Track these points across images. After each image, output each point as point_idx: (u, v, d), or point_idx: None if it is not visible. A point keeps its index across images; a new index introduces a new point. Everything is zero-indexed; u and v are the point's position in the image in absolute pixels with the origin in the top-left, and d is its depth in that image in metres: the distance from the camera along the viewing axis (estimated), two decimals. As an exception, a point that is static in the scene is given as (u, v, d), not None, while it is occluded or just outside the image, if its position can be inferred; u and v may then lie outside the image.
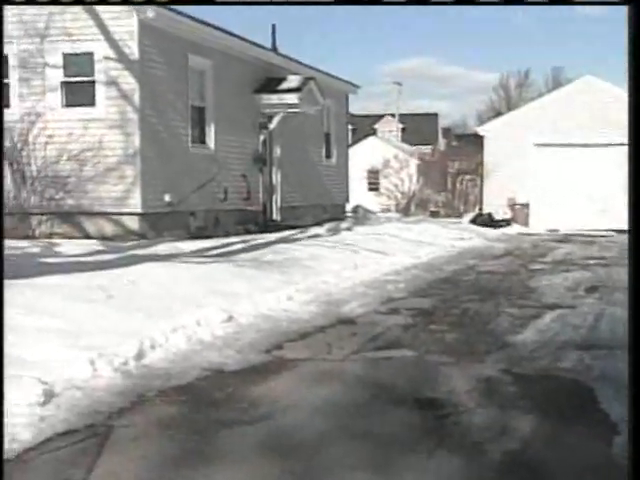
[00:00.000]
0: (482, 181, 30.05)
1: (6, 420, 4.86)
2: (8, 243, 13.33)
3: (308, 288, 10.73)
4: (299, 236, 17.76)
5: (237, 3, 8.05)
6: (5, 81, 15.93)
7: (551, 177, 28.09)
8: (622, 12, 5.26)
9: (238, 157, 19.75)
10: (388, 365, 6.85)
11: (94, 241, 14.50)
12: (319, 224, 21.52)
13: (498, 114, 46.86)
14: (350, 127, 31.33)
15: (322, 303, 9.86)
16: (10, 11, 15.42)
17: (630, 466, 4.00)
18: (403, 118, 58.88)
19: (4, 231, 14.95)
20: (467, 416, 5.32)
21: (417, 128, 60.36)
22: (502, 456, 4.61)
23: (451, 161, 37.19)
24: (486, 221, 27.63)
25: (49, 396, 5.49)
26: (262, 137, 21.11)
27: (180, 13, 17.05)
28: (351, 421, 5.23)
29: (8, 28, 15.55)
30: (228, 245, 14.90)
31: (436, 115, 66.02)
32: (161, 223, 16.19)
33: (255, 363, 6.77)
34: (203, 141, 18.39)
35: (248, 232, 18.50)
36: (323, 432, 4.99)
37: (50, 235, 15.10)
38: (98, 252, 12.63)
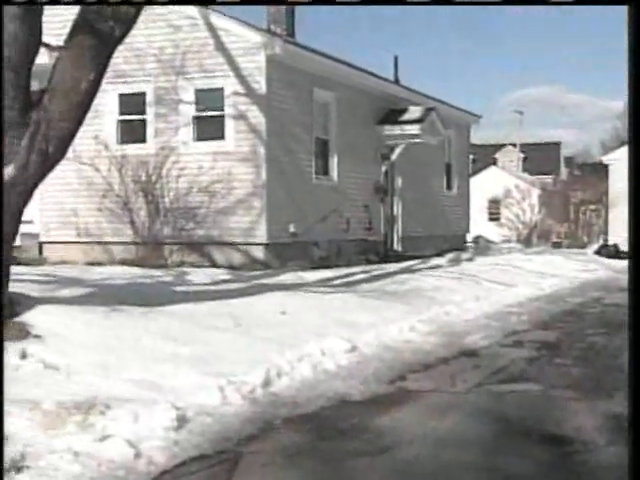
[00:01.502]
0: (607, 211, 29.34)
1: (145, 444, 5.11)
2: (143, 271, 13.96)
3: (430, 319, 10.73)
4: (420, 266, 17.77)
5: (238, 3, 8.16)
6: (142, 117, 16.81)
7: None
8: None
9: (360, 188, 19.97)
10: (512, 399, 6.81)
11: (222, 270, 14.94)
12: (440, 254, 21.45)
13: (623, 143, 45.61)
14: (471, 157, 31.13)
15: (444, 334, 9.85)
16: (150, 50, 16.26)
17: (630, 466, 3.88)
18: (524, 147, 58.05)
19: (135, 260, 15.67)
20: (596, 454, 5.23)
21: (539, 157, 59.38)
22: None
23: (574, 191, 36.45)
24: (612, 252, 26.89)
25: (182, 421, 5.65)
26: (384, 168, 21.28)
27: (306, 48, 17.50)
28: (476, 455, 5.22)
29: (147, 67, 16.40)
30: (350, 275, 15.05)
31: (558, 144, 64.76)
32: (285, 253, 16.53)
33: (379, 393, 6.84)
34: (326, 172, 18.71)
35: (369, 262, 18.63)
36: (448, 466, 5.01)
37: (181, 264, 15.66)
38: (226, 281, 13.00)
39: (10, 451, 4.95)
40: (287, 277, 14.07)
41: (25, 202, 7.67)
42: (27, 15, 7.40)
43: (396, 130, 20.99)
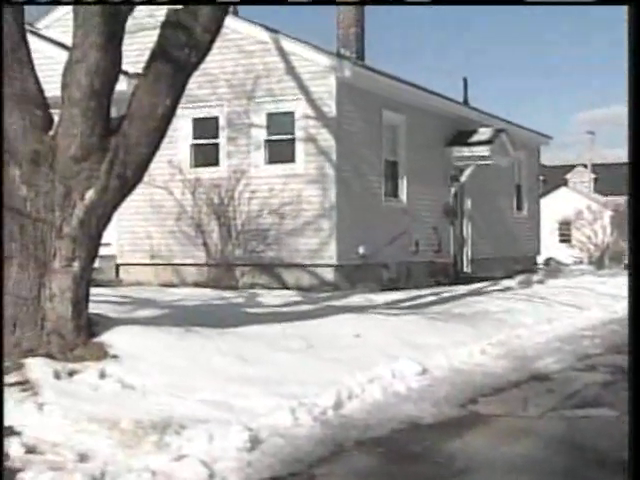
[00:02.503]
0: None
1: (219, 464, 5.20)
2: (215, 293, 14.19)
3: (501, 342, 10.65)
4: (490, 289, 17.64)
5: (238, 3, 8.21)
6: (215, 141, 17.15)
7: None
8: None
9: (429, 210, 19.95)
10: (587, 424, 6.72)
11: (292, 292, 15.07)
12: (510, 276, 21.25)
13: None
14: (541, 178, 30.83)
15: (516, 358, 9.77)
16: (222, 75, 16.59)
17: (630, 466, 3.80)
18: (596, 168, 57.19)
19: (207, 281, 15.91)
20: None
21: (611, 178, 58.37)
22: None
23: (647, 212, 35.64)
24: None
25: (255, 442, 5.71)
26: (453, 189, 21.23)
27: (375, 71, 17.63)
28: (550, 481, 5.20)
29: (220, 92, 16.74)
30: (419, 297, 15.04)
31: (632, 164, 63.49)
32: (354, 275, 16.60)
33: (450, 417, 6.82)
34: (396, 194, 18.75)
35: (439, 284, 18.57)
36: (521, 490, 5.00)
37: (252, 285, 15.87)
38: (296, 302, 13.12)
39: (90, 468, 5.10)
40: (356, 299, 14.12)
41: (104, 225, 7.89)
42: (109, 45, 7.65)
43: (465, 152, 20.93)
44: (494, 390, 7.96)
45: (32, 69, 7.74)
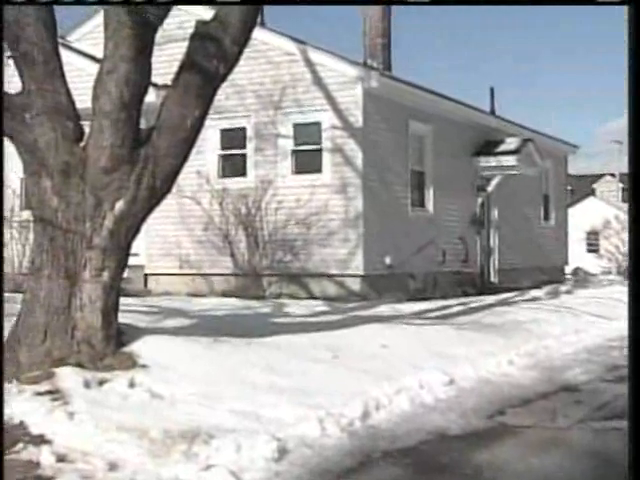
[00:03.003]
0: None
1: (247, 474, 5.22)
2: (243, 303, 14.26)
3: (529, 352, 10.62)
4: (517, 299, 17.57)
5: (238, 3, 8.21)
6: (242, 151, 17.25)
7: None
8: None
9: (456, 220, 19.92)
10: (616, 436, 6.67)
11: (318, 302, 15.10)
12: (537, 287, 21.15)
13: None
14: (568, 187, 30.68)
15: (544, 369, 9.73)
16: (250, 87, 16.69)
17: (630, 466, 3.76)
18: (624, 177, 56.75)
19: (235, 291, 15.96)
20: None
21: None
22: None
23: (678, 221, 35.31)
24: None
25: (283, 452, 5.74)
26: (480, 199, 21.19)
27: (402, 81, 17.64)
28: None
29: (247, 103, 16.83)
30: (446, 307, 15.01)
31: (661, 173, 63.00)
32: (381, 284, 16.60)
33: (478, 428, 6.81)
34: (422, 204, 18.75)
35: (466, 294, 18.52)
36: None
37: (278, 295, 15.92)
38: (323, 312, 13.14)
39: (120, 477, 5.16)
40: (383, 309, 14.12)
41: (133, 235, 7.95)
42: (139, 57, 7.73)
43: (492, 162, 20.90)
44: (522, 401, 7.93)
45: (64, 82, 7.83)
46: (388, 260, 16.87)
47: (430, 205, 18.98)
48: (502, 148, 21.13)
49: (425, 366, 8.95)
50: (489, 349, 10.49)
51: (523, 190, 23.18)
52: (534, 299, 17.67)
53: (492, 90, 23.50)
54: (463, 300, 16.64)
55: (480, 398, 7.92)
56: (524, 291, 19.50)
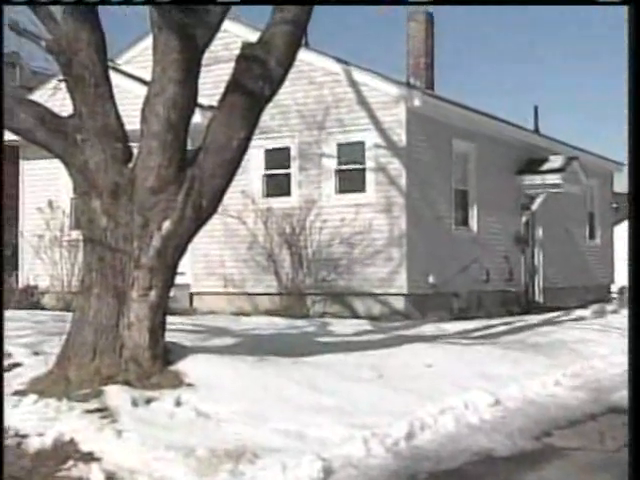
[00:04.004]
0: None
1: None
2: (287, 322, 14.31)
3: (575, 373, 10.50)
4: (563, 318, 17.38)
5: (238, 3, 8.20)
6: (287, 171, 17.37)
7: None
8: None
9: (500, 238, 19.81)
10: (665, 460, 6.58)
11: (362, 320, 15.09)
12: (583, 306, 20.90)
13: None
14: (614, 205, 30.34)
15: (591, 390, 9.61)
16: (294, 107, 16.82)
17: (630, 466, 3.68)
18: (673, 194, 55.95)
19: (279, 310, 16.03)
20: None
21: (689, 204, 57.06)
22: None
23: None
24: None
25: (328, 472, 5.75)
26: (524, 218, 21.07)
27: (445, 100, 17.66)
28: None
29: (291, 123, 16.97)
30: (491, 327, 14.90)
31: None
32: (425, 303, 16.55)
33: (525, 449, 6.75)
34: (466, 223, 18.69)
35: (510, 313, 18.38)
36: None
37: (322, 314, 15.95)
38: (366, 332, 13.14)
39: (168, 496, 5.21)
40: (427, 328, 14.07)
41: (180, 255, 8.05)
42: (186, 79, 7.86)
43: (537, 180, 20.79)
44: (569, 422, 7.85)
45: (113, 104, 7.99)
46: (432, 279, 16.83)
47: (474, 224, 18.91)
48: (546, 166, 21.01)
49: (470, 386, 8.88)
50: (534, 369, 10.39)
51: (568, 208, 22.99)
52: (580, 318, 17.46)
53: (536, 108, 23.42)
54: (507, 319, 16.51)
55: (526, 419, 7.85)
56: (569, 310, 19.28)
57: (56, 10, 7.90)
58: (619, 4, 5.89)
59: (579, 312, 19.05)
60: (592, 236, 25.52)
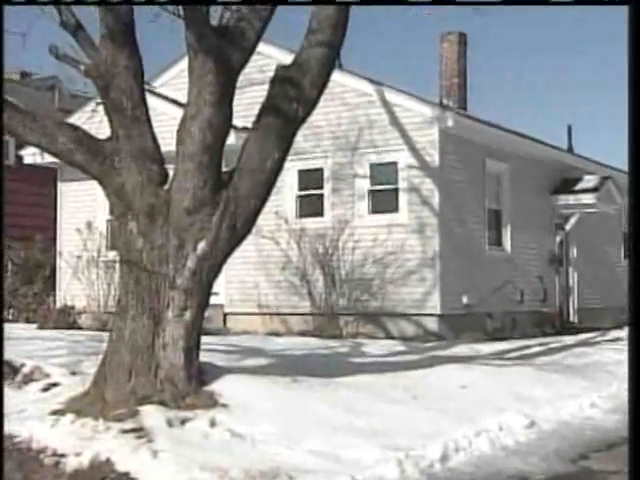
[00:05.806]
0: None
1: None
2: (320, 342, 14.32)
3: (612, 395, 10.39)
4: (599, 339, 17.24)
5: (239, 3, 8.19)
6: (320, 192, 17.44)
7: None
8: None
9: (533, 258, 19.70)
10: None
11: (396, 341, 15.07)
12: (619, 327, 20.67)
13: None
14: (651, 225, 30.06)
15: (627, 412, 9.51)
16: (327, 128, 16.91)
17: (630, 466, 3.60)
18: None
19: (312, 330, 16.04)
20: None
21: None
22: None
23: None
24: None
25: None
26: (558, 238, 20.94)
27: (478, 120, 17.65)
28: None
29: (324, 144, 17.05)
30: (525, 347, 14.80)
31: None
32: (458, 324, 16.48)
33: (561, 473, 6.70)
34: (499, 243, 18.61)
35: (544, 334, 18.23)
36: None
37: (355, 335, 15.93)
38: (400, 352, 13.10)
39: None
40: (461, 349, 14.01)
41: (215, 276, 8.12)
42: (221, 101, 7.96)
43: (571, 199, 20.67)
44: (606, 445, 7.78)
45: (150, 127, 8.09)
46: (465, 299, 16.77)
47: (507, 244, 18.83)
48: (580, 186, 20.89)
49: (505, 408, 8.84)
50: (570, 391, 10.31)
51: (603, 228, 22.81)
52: (616, 339, 17.28)
53: (569, 128, 23.35)
54: (542, 340, 16.39)
55: (562, 441, 7.79)
56: (605, 331, 19.10)
57: (95, 35, 8.04)
58: (619, 4, 5.89)
59: (614, 333, 18.86)
60: (627, 256, 25.29)
